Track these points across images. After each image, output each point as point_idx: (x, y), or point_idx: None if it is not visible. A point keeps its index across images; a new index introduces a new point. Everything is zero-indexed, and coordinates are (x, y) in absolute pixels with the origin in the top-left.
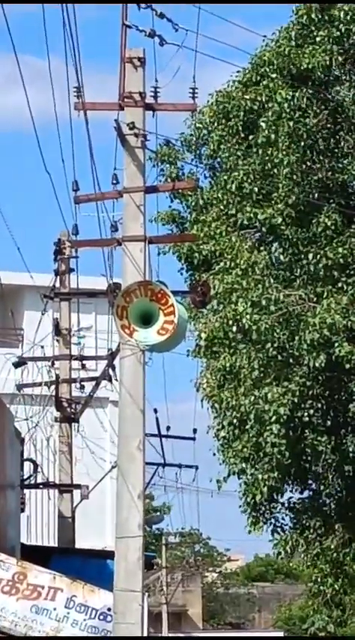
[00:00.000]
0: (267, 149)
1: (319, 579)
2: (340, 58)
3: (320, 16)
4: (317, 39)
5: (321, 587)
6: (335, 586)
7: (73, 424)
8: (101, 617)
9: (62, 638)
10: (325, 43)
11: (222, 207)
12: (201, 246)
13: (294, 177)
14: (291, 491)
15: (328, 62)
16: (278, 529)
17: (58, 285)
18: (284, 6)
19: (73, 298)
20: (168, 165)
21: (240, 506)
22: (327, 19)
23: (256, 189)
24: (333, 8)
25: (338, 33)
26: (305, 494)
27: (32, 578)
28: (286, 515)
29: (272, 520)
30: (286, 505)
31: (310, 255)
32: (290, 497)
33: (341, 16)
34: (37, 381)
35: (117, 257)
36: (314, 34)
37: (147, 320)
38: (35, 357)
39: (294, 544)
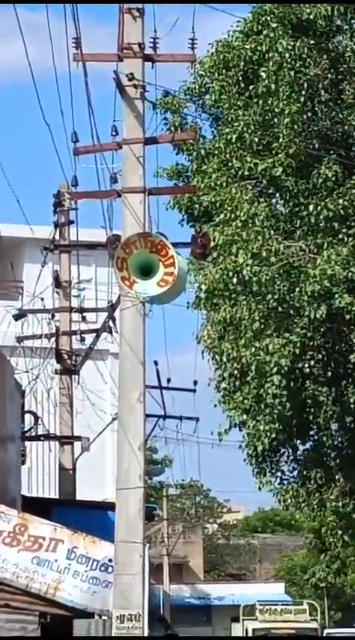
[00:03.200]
0: (268, 99)
1: (323, 531)
2: (341, 8)
3: None
4: None
5: (326, 540)
6: (344, 537)
7: (73, 376)
8: (102, 568)
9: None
10: None
11: (223, 157)
12: (202, 198)
13: (295, 127)
14: (293, 442)
15: (329, 12)
16: (284, 481)
17: (57, 237)
18: None
19: (73, 250)
20: (171, 115)
21: (245, 460)
22: None
23: (256, 139)
24: None
25: None
26: (307, 445)
27: (33, 530)
28: (289, 466)
29: (278, 473)
30: (289, 456)
31: (310, 207)
32: (293, 449)
33: None
34: (37, 333)
35: (117, 209)
36: None
37: (147, 272)
38: (35, 310)
39: (295, 494)
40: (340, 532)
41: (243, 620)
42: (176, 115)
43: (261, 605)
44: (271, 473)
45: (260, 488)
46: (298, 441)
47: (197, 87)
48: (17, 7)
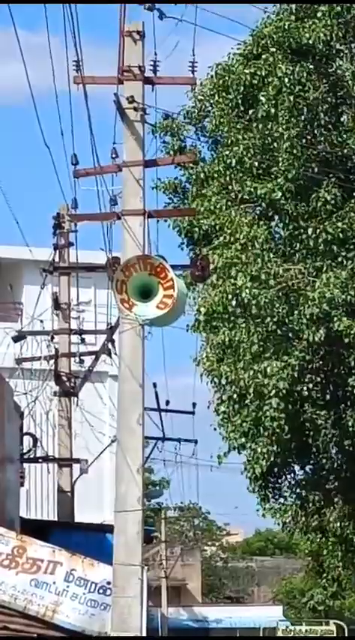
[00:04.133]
0: (267, 123)
1: (321, 554)
2: (340, 33)
3: None
4: (318, 14)
5: (324, 562)
6: (343, 560)
7: (72, 398)
8: (101, 591)
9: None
10: (326, 17)
11: (222, 181)
12: (202, 221)
13: (294, 151)
14: (292, 465)
15: (328, 36)
16: (284, 505)
17: (57, 259)
18: None
19: (73, 272)
20: (170, 138)
21: (248, 488)
22: None
23: (256, 163)
24: None
25: (339, 8)
26: (306, 468)
27: (32, 552)
28: (288, 488)
29: (278, 497)
30: (288, 479)
31: (310, 230)
32: (292, 472)
33: None
34: (37, 355)
35: (117, 231)
36: (316, 7)
37: (146, 294)
38: (34, 332)
39: (293, 514)
40: (340, 554)
41: None
42: (175, 138)
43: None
44: (274, 499)
45: (264, 515)
46: (297, 464)
47: (196, 110)
48: (17, 27)
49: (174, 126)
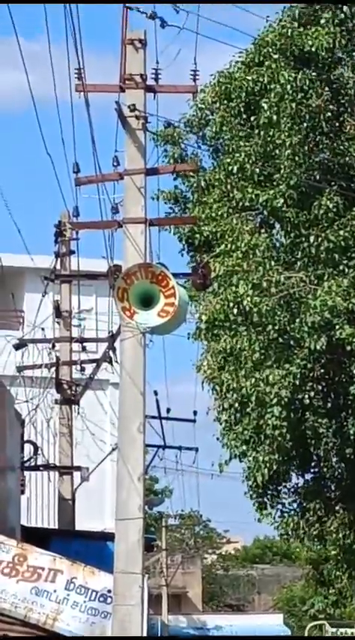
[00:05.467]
0: (269, 130)
1: (320, 563)
2: (343, 40)
3: None
4: (321, 21)
5: (323, 571)
6: (341, 569)
7: (73, 406)
8: (101, 599)
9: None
10: (329, 24)
11: (223, 189)
12: (202, 228)
13: (296, 158)
14: (293, 473)
15: (331, 44)
16: (285, 514)
17: (58, 267)
18: None
19: (74, 280)
20: (171, 146)
21: (246, 493)
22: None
23: (258, 170)
24: None
25: (342, 15)
26: (307, 476)
27: (32, 560)
28: (289, 497)
29: (279, 506)
30: (289, 488)
31: (311, 238)
32: (294, 481)
33: None
34: (38, 363)
35: (118, 239)
36: (319, 15)
37: (147, 302)
38: (36, 339)
39: (295, 525)
40: (345, 565)
41: None
42: (176, 146)
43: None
44: (271, 505)
45: (260, 520)
46: (298, 472)
47: (197, 119)
48: (19, 36)
49: (175, 134)
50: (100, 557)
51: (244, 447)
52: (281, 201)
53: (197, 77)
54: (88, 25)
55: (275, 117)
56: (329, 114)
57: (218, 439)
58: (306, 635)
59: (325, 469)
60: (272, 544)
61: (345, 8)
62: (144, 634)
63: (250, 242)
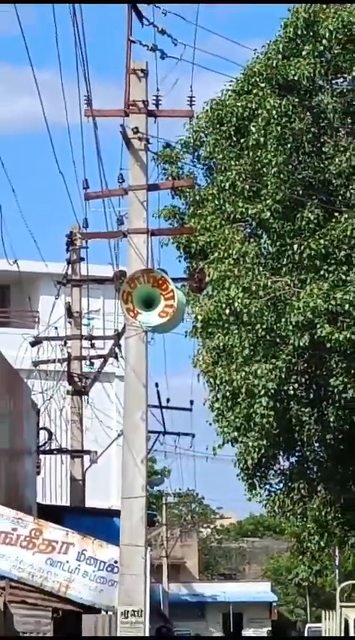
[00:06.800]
0: (257, 151)
1: (303, 536)
2: (322, 70)
3: (305, 32)
4: (303, 52)
5: (305, 544)
6: (320, 542)
7: (83, 397)
8: (108, 569)
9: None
10: (309, 56)
11: (216, 202)
12: (198, 238)
13: (281, 176)
14: (279, 457)
15: (312, 73)
16: (272, 493)
17: (70, 272)
18: (273, 21)
19: (84, 284)
20: (169, 165)
21: (238, 475)
22: (312, 34)
23: (247, 186)
24: (319, 25)
25: (322, 47)
26: (292, 459)
27: (47, 534)
28: (276, 478)
29: (267, 486)
30: (276, 470)
31: (295, 246)
32: (280, 464)
33: (326, 34)
34: (51, 358)
35: (123, 247)
36: (300, 47)
37: (149, 304)
38: (49, 337)
39: (281, 504)
40: (317, 537)
41: (341, 607)
42: (174, 165)
43: None
44: (260, 486)
45: (250, 499)
46: (284, 456)
47: (192, 141)
48: (33, 66)
49: (173, 154)
50: (108, 531)
51: (235, 434)
52: (268, 213)
53: (193, 102)
54: (96, 57)
55: (262, 139)
56: (311, 136)
57: (210, 424)
58: (339, 591)
59: (308, 453)
60: (264, 520)
61: (324, 41)
62: (147, 600)
63: (240, 250)
